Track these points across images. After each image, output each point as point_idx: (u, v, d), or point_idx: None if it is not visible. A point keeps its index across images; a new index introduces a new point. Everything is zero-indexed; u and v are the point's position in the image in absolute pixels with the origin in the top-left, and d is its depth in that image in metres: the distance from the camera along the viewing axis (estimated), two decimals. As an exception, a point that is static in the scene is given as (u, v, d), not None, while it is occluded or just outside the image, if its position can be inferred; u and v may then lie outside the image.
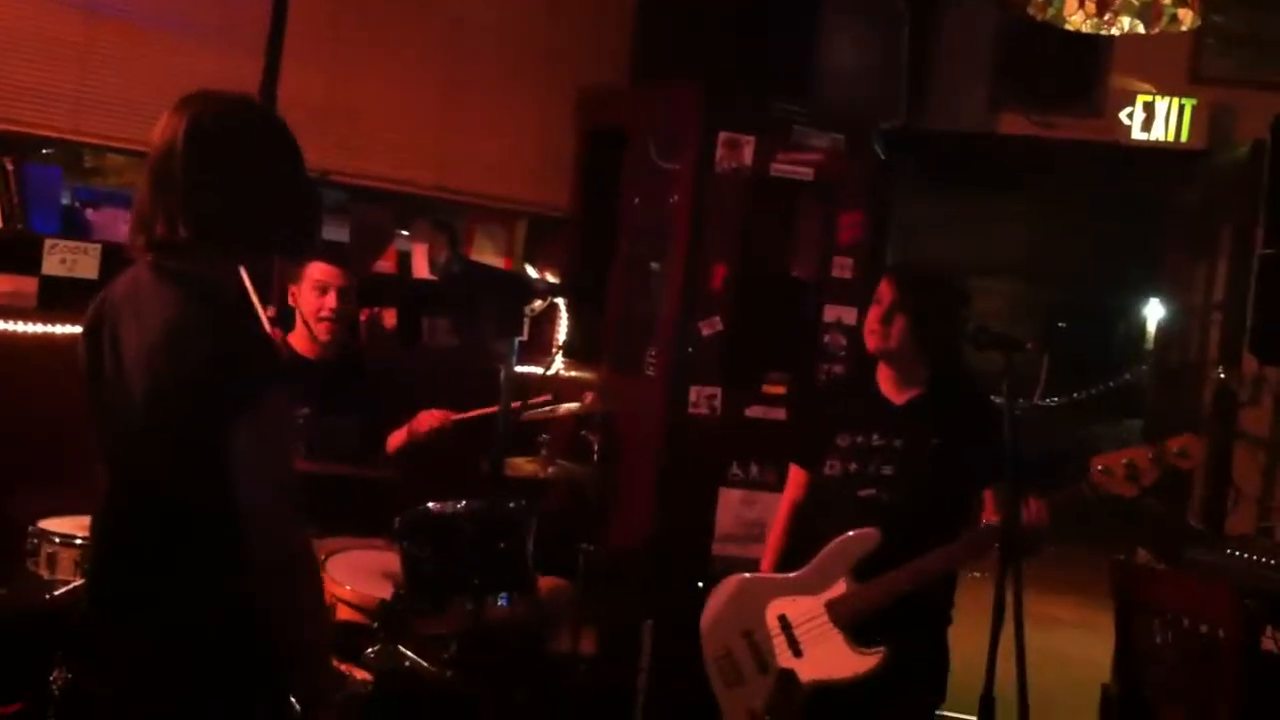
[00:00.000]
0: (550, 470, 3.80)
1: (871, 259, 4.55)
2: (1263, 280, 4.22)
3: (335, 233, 4.52)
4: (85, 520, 2.43)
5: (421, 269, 4.75)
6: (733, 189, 4.31)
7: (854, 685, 3.06)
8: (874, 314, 3.19)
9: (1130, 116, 4.97)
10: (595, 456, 4.22)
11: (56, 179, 3.93)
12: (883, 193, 4.73)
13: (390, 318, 4.62)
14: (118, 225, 3.84)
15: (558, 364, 4.79)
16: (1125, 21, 3.32)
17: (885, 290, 3.18)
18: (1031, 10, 3.35)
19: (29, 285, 3.78)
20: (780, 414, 4.37)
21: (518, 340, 2.90)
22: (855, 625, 3.09)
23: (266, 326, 2.53)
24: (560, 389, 4.39)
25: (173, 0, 3.95)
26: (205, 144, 2.01)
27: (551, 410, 3.93)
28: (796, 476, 3.43)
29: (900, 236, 5.47)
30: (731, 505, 4.33)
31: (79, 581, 3.12)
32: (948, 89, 5.15)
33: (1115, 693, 3.97)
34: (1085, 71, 4.98)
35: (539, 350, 4.78)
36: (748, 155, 4.31)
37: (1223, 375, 4.56)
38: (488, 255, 4.88)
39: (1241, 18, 4.85)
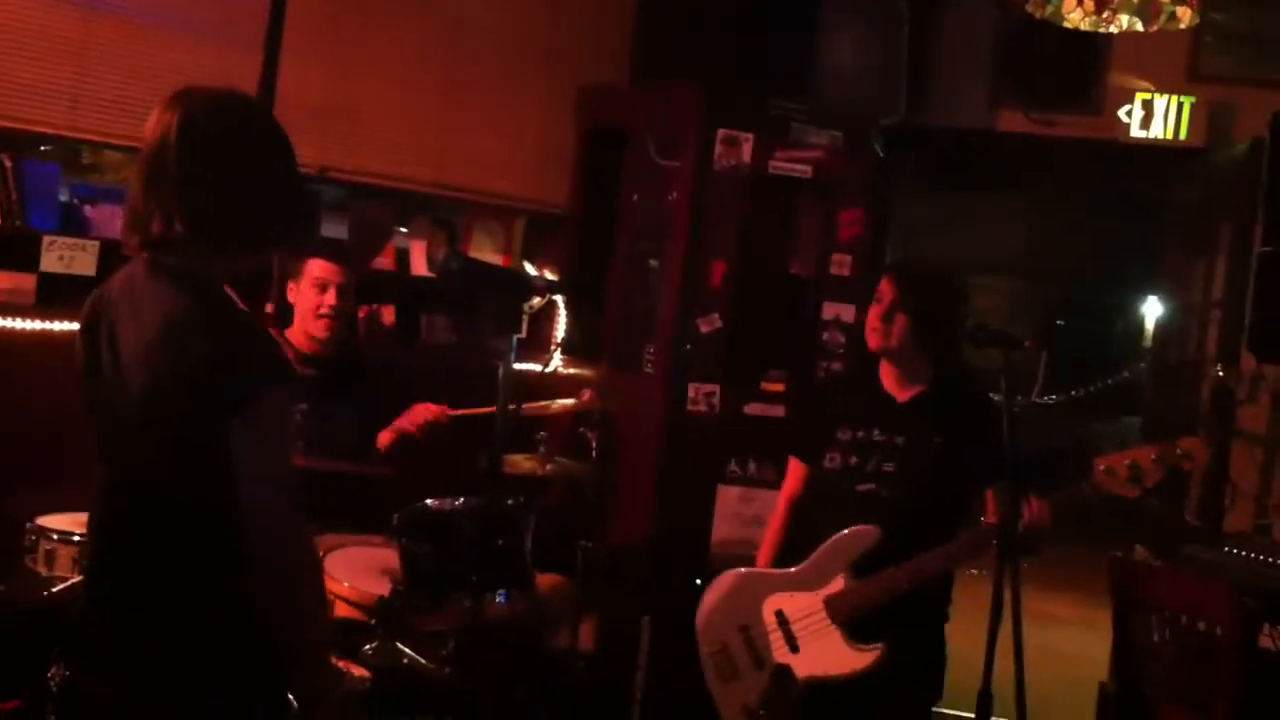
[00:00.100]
0: (549, 467, 3.80)
1: (870, 256, 4.55)
2: (1261, 278, 4.23)
3: (334, 229, 4.53)
4: (83, 517, 2.43)
5: (420, 266, 4.75)
6: (732, 187, 4.32)
7: (851, 682, 3.06)
8: (875, 312, 3.19)
9: (1129, 114, 4.97)
10: (594, 454, 4.22)
11: (54, 176, 3.93)
12: (881, 190, 4.73)
13: (389, 315, 4.62)
14: (116, 222, 3.84)
15: (556, 361, 4.80)
16: (1124, 19, 3.32)
17: (886, 289, 3.18)
18: (1030, 8, 3.35)
19: (27, 282, 3.78)
20: (779, 411, 4.37)
21: (516, 337, 2.90)
22: (853, 622, 3.09)
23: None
24: (559, 386, 4.39)
25: (171, -3, 3.96)
26: (199, 139, 2.00)
27: (545, 406, 3.94)
28: (796, 470, 3.44)
29: (899, 234, 5.47)
30: (730, 502, 4.33)
31: (77, 578, 3.12)
32: (947, 87, 5.14)
33: (1113, 690, 3.97)
34: (1084, 69, 4.98)
35: (538, 347, 4.78)
36: (746, 153, 4.31)
37: (1221, 373, 4.55)
38: (486, 252, 4.88)
39: (1240, 15, 4.85)
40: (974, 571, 3.04)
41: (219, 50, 3.94)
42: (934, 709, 3.27)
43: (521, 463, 3.72)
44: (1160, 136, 4.95)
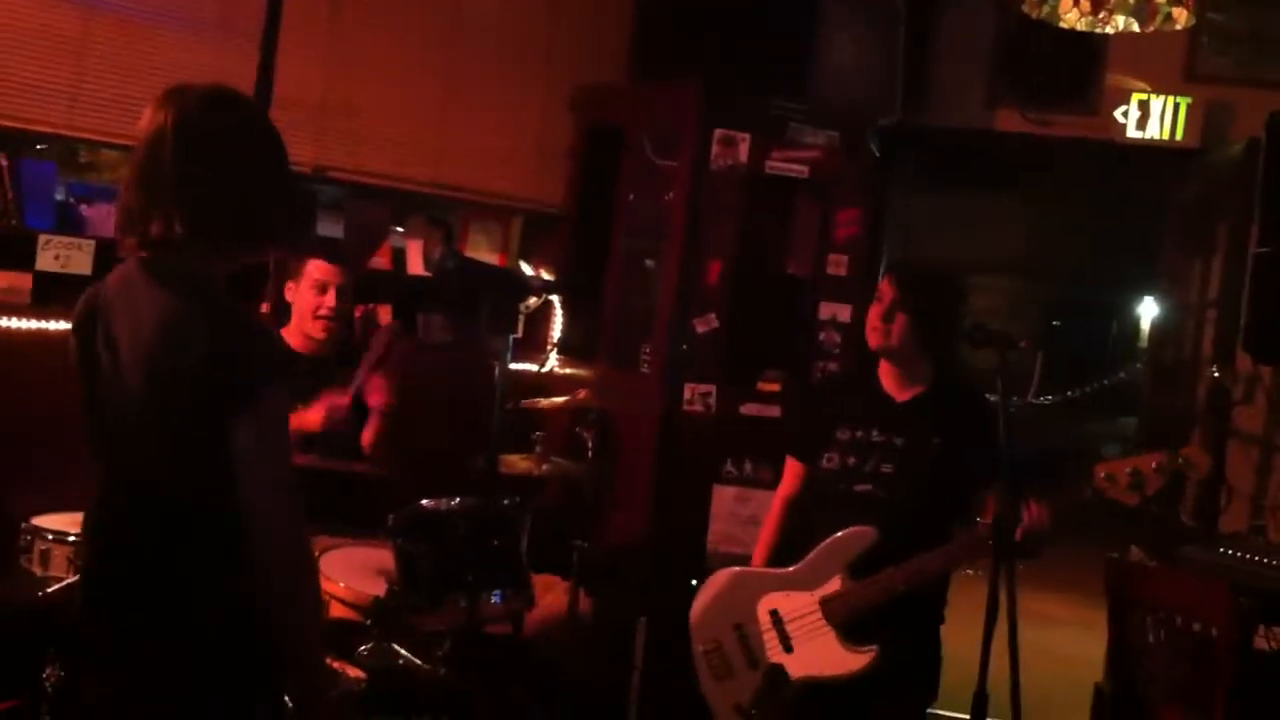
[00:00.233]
0: (545, 467, 3.80)
1: (867, 257, 4.55)
2: (1257, 279, 4.23)
3: (330, 229, 4.52)
4: (78, 517, 2.42)
5: (416, 265, 4.75)
6: (729, 187, 4.32)
7: (845, 683, 3.06)
8: (875, 312, 3.19)
9: (1125, 115, 4.97)
10: (590, 453, 4.22)
11: (51, 174, 3.92)
12: (878, 190, 4.74)
13: (385, 314, 4.61)
14: (112, 221, 3.83)
15: (552, 361, 4.80)
16: (1120, 20, 3.32)
17: (886, 288, 3.18)
18: (1027, 8, 3.35)
19: (23, 281, 3.77)
20: (775, 411, 4.37)
21: (512, 337, 2.90)
22: (848, 623, 3.09)
23: None
24: (555, 386, 4.39)
25: (169, -4, 3.96)
26: (195, 138, 1.99)
27: (533, 401, 3.94)
28: (793, 469, 3.43)
29: (896, 234, 5.47)
30: (726, 502, 4.33)
31: (72, 578, 3.12)
32: (944, 87, 5.15)
33: (1108, 690, 3.97)
34: (1081, 70, 4.98)
35: (534, 347, 4.78)
36: (743, 153, 4.31)
37: (1217, 374, 4.56)
38: (483, 252, 4.87)
39: (1237, 16, 4.85)
40: (969, 572, 3.04)
41: (217, 49, 3.94)
42: (929, 709, 3.27)
43: (517, 463, 3.72)
44: (1157, 137, 4.96)
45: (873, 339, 3.21)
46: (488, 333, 3.58)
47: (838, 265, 4.46)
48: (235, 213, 2.03)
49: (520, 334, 2.97)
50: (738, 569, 3.36)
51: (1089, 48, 4.87)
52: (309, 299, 3.71)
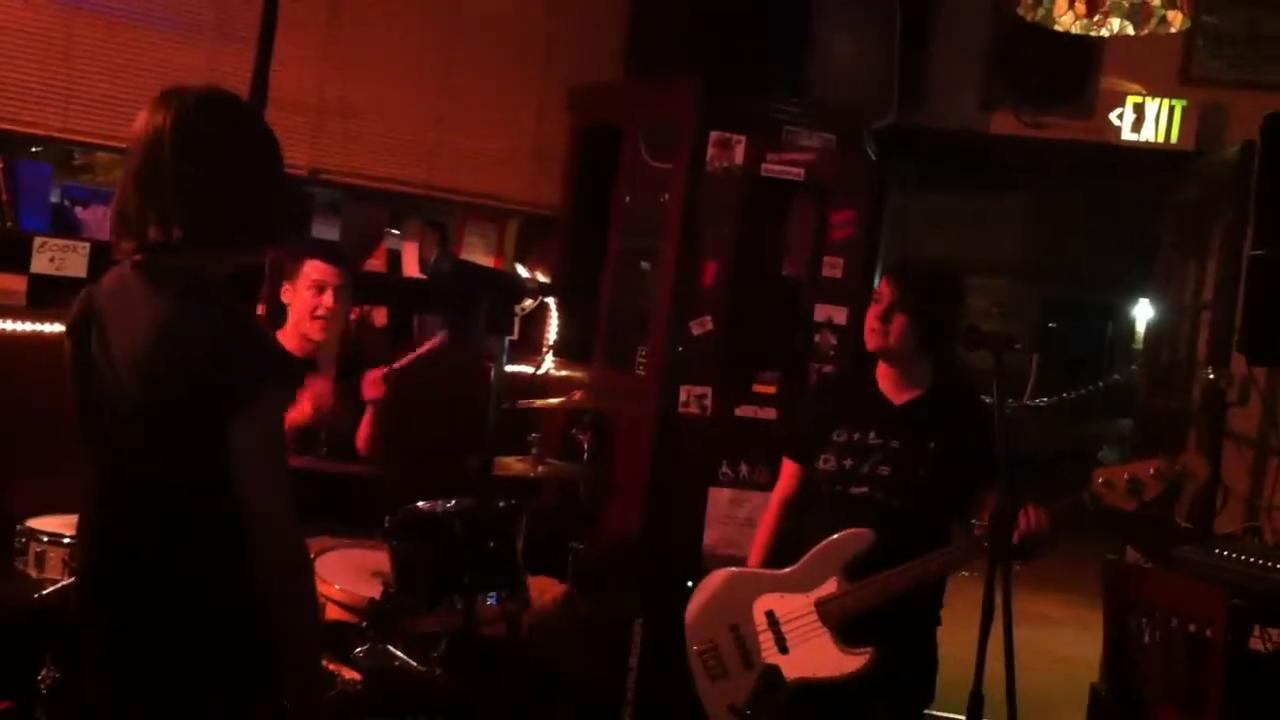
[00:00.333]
0: (540, 469, 3.80)
1: (863, 258, 4.56)
2: (1252, 281, 4.23)
3: (326, 231, 4.52)
4: (73, 519, 2.42)
5: (412, 268, 4.75)
6: (725, 188, 4.32)
7: (840, 685, 3.06)
8: (873, 313, 3.18)
9: (1121, 117, 4.98)
10: (585, 455, 4.22)
11: (46, 177, 3.92)
12: (874, 192, 4.74)
13: (380, 316, 4.61)
14: (107, 224, 3.82)
15: (548, 363, 4.79)
16: (1115, 23, 3.32)
17: (885, 289, 3.18)
18: (1022, 11, 3.35)
19: (18, 284, 3.77)
20: (770, 413, 4.37)
21: (508, 339, 2.89)
22: (844, 625, 3.09)
23: None
24: (551, 387, 4.39)
25: (164, -3, 3.96)
26: (192, 139, 1.99)
27: (529, 403, 3.94)
28: (790, 470, 3.43)
29: (892, 236, 5.47)
30: (721, 505, 4.33)
31: (67, 580, 3.11)
32: (940, 89, 5.15)
33: (1104, 691, 3.98)
34: (1076, 72, 4.99)
35: (530, 349, 4.78)
36: (739, 155, 4.31)
37: (1212, 375, 4.56)
38: (478, 254, 4.87)
39: (1232, 19, 4.86)
40: (965, 573, 3.04)
41: (212, 50, 3.94)
42: (925, 711, 3.27)
43: (513, 464, 3.72)
44: (1152, 139, 4.97)
45: (871, 340, 3.21)
46: (483, 334, 3.57)
47: (833, 267, 4.46)
48: (233, 214, 2.03)
49: (516, 336, 2.96)
50: (733, 569, 3.36)
51: (1084, 50, 4.87)
52: (306, 299, 3.71)
